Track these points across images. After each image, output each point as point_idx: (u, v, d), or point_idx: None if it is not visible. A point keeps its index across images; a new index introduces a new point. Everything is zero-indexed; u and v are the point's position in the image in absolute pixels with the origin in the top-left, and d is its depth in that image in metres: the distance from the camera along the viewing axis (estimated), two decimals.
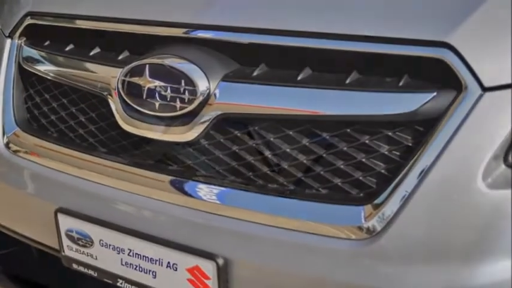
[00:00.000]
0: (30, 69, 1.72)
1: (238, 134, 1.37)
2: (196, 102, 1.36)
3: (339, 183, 1.28)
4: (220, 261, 1.35)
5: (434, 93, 1.19)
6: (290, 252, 1.30)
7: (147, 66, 1.40)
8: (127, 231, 1.47)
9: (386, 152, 1.24)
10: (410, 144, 1.22)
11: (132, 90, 1.43)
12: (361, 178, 1.26)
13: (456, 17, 1.19)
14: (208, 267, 1.36)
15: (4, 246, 1.85)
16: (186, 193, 1.42)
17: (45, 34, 1.72)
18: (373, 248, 1.22)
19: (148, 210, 1.47)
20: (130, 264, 1.49)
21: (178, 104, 1.37)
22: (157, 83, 1.39)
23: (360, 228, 1.24)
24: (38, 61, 1.71)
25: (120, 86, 1.45)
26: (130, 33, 1.52)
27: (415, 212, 1.19)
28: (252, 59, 1.37)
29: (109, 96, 1.51)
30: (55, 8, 1.70)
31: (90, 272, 1.57)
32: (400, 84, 1.22)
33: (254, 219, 1.33)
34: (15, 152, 1.72)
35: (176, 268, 1.41)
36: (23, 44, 1.75)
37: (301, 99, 1.29)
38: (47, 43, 1.71)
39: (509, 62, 1.15)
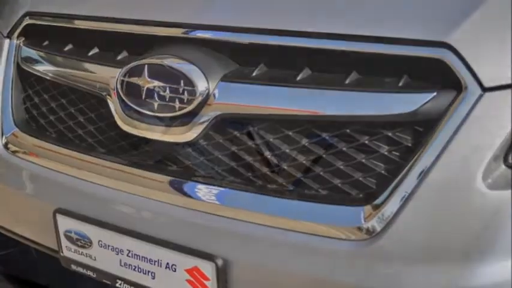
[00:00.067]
0: (28, 70, 1.72)
1: (238, 135, 1.37)
2: (195, 103, 1.36)
3: (339, 184, 1.28)
4: (220, 262, 1.34)
5: (434, 94, 1.19)
6: (290, 253, 1.30)
7: (146, 66, 1.40)
8: (126, 232, 1.47)
9: (386, 153, 1.24)
10: (410, 145, 1.22)
11: (131, 91, 1.42)
12: (360, 179, 1.26)
13: (456, 17, 1.19)
14: (207, 268, 1.36)
15: (3, 247, 1.85)
16: (185, 194, 1.42)
17: (43, 34, 1.71)
18: (372, 248, 1.22)
19: (147, 211, 1.47)
20: (129, 265, 1.49)
21: (177, 105, 1.37)
22: (156, 83, 1.39)
23: (360, 228, 1.24)
24: (36, 61, 1.71)
25: (119, 86, 1.44)
26: (129, 33, 1.52)
27: (415, 212, 1.19)
28: (251, 59, 1.37)
29: (108, 97, 1.51)
30: (54, 8, 1.70)
31: (89, 272, 1.57)
32: (400, 84, 1.22)
33: (253, 220, 1.33)
34: (13, 152, 1.72)
35: (175, 269, 1.41)
36: (21, 44, 1.75)
37: (301, 99, 1.29)
38: (45, 43, 1.71)
39: (509, 62, 1.15)
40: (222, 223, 1.36)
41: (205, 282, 1.37)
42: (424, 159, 1.18)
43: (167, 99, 1.38)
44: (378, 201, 1.22)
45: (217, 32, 1.41)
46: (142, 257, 1.46)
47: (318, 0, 1.35)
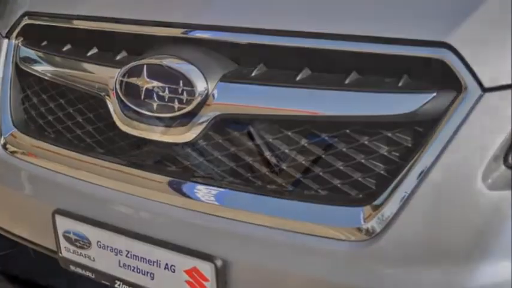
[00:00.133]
0: (27, 70, 1.72)
1: (237, 135, 1.37)
2: (194, 103, 1.35)
3: (338, 185, 1.28)
4: (219, 263, 1.34)
5: (434, 94, 1.19)
6: (289, 253, 1.29)
7: (145, 66, 1.40)
8: (125, 232, 1.47)
9: (385, 153, 1.24)
10: (409, 145, 1.22)
11: (130, 91, 1.42)
12: (360, 179, 1.26)
13: (456, 17, 1.19)
14: (206, 269, 1.36)
15: (2, 248, 1.85)
16: (184, 194, 1.41)
17: (42, 34, 1.71)
18: (372, 249, 1.21)
19: (146, 212, 1.46)
20: (128, 265, 1.48)
21: (176, 105, 1.37)
22: (155, 83, 1.38)
23: (359, 229, 1.23)
24: (35, 61, 1.70)
25: (117, 86, 1.44)
26: (128, 33, 1.52)
27: (415, 213, 1.19)
28: (250, 59, 1.36)
29: (107, 97, 1.51)
30: (52, 8, 1.70)
31: (88, 273, 1.56)
32: (400, 84, 1.22)
33: (253, 221, 1.33)
34: (12, 153, 1.72)
35: (174, 270, 1.41)
36: (20, 44, 1.74)
37: (300, 99, 1.29)
38: (44, 43, 1.70)
39: (509, 63, 1.15)
40: (221, 224, 1.36)
41: (204, 283, 1.37)
42: (424, 160, 1.18)
43: (166, 100, 1.37)
44: (377, 201, 1.22)
45: (216, 32, 1.41)
46: (141, 257, 1.45)
47: (318, 0, 1.35)
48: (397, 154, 1.23)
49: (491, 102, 1.16)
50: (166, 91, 1.37)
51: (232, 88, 1.35)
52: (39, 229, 1.66)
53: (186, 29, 1.44)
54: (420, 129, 1.21)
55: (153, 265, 1.44)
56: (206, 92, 1.35)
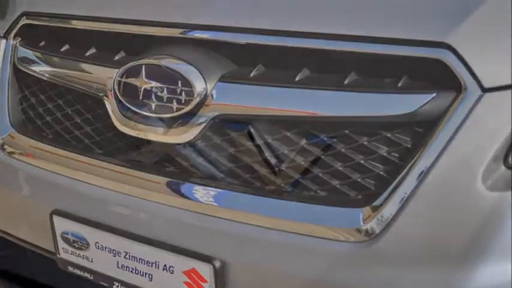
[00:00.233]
0: (25, 70, 1.71)
1: (236, 135, 1.36)
2: (193, 103, 1.35)
3: (337, 185, 1.27)
4: (217, 264, 1.34)
5: (434, 94, 1.19)
6: (288, 254, 1.29)
7: (144, 66, 1.39)
8: (123, 233, 1.47)
9: (385, 154, 1.24)
10: (409, 146, 1.22)
11: (128, 91, 1.42)
12: (359, 180, 1.26)
13: (456, 17, 1.19)
14: (205, 270, 1.35)
15: (1, 248, 1.84)
16: (182, 195, 1.41)
17: (40, 34, 1.71)
18: (371, 250, 1.21)
19: (145, 212, 1.46)
20: (126, 266, 1.48)
21: (175, 105, 1.36)
22: (153, 83, 1.38)
23: (359, 230, 1.23)
24: (33, 62, 1.70)
25: (116, 86, 1.44)
26: (127, 33, 1.52)
27: (414, 214, 1.19)
28: (249, 59, 1.36)
29: (105, 97, 1.51)
30: (51, 8, 1.70)
31: (86, 274, 1.56)
32: (399, 85, 1.22)
33: (251, 222, 1.32)
34: (10, 153, 1.71)
35: (173, 271, 1.41)
36: (18, 45, 1.74)
37: (299, 100, 1.28)
38: (42, 43, 1.70)
39: (509, 63, 1.15)
40: (220, 224, 1.36)
41: (202, 284, 1.37)
42: (424, 160, 1.18)
43: (165, 100, 1.37)
44: (377, 202, 1.22)
45: (215, 32, 1.41)
46: (139, 258, 1.45)
47: (317, 0, 1.34)
48: (397, 155, 1.23)
49: (491, 102, 1.15)
50: (165, 91, 1.37)
51: (231, 88, 1.35)
52: (37, 230, 1.66)
53: (184, 29, 1.43)
54: (420, 129, 1.21)
55: (152, 266, 1.43)
56: (205, 92, 1.35)
